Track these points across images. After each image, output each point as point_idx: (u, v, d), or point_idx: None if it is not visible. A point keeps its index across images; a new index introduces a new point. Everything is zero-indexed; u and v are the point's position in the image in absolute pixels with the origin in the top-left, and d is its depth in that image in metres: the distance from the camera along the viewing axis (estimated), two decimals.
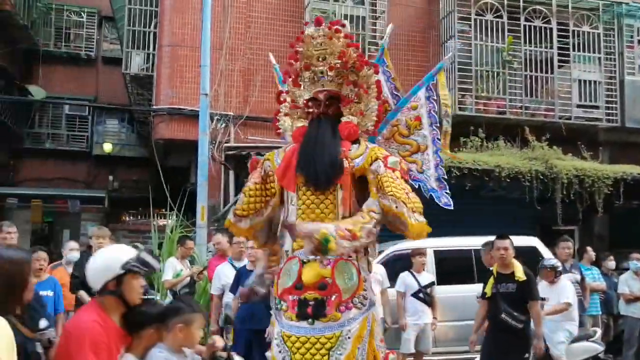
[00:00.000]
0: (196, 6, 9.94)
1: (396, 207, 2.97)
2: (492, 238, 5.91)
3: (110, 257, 2.85)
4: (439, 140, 3.50)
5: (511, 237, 5.63)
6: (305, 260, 3.07)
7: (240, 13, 10.66)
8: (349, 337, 2.96)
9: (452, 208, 3.44)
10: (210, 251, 8.44)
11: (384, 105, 3.50)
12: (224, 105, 10.16)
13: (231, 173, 10.17)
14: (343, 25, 3.30)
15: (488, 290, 5.55)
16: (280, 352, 2.99)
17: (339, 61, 3.22)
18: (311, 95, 3.29)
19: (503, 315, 5.29)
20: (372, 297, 3.19)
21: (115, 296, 2.75)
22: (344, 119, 3.27)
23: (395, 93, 3.64)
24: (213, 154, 9.90)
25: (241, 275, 5.79)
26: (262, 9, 10.67)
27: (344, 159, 3.12)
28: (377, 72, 3.36)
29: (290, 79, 3.41)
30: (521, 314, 5.28)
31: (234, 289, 5.92)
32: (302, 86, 3.34)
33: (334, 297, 2.99)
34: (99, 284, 2.77)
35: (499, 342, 5.39)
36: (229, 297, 6.15)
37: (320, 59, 3.24)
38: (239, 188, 9.98)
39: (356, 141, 3.25)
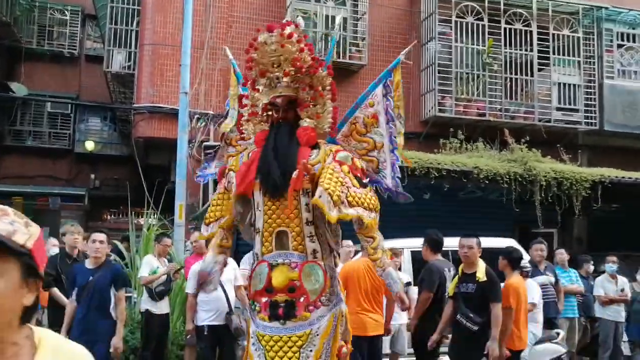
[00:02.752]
0: (178, 5, 9.93)
1: (319, 197, 3.06)
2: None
3: None
4: (395, 138, 3.55)
5: (488, 238, 5.54)
6: (274, 264, 3.23)
7: (222, 13, 10.65)
8: (317, 334, 3.17)
9: (412, 200, 3.60)
10: (188, 250, 8.43)
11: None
12: (205, 104, 10.14)
13: None
14: (297, 26, 3.33)
15: (451, 290, 5.45)
16: (255, 349, 3.20)
17: (293, 68, 3.28)
18: (269, 100, 3.35)
19: (458, 316, 5.20)
20: (340, 293, 3.39)
21: None
22: (301, 123, 3.37)
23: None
24: (193, 153, 9.88)
25: (77, 272, 5.31)
26: (243, 9, 10.67)
27: (304, 166, 3.18)
28: (331, 74, 3.42)
29: (249, 83, 3.47)
30: (478, 315, 5.11)
31: (70, 290, 5.32)
32: (260, 90, 3.39)
33: (302, 298, 3.18)
34: None
35: (458, 343, 5.31)
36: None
37: (275, 65, 3.28)
38: (217, 187, 9.97)
39: (316, 146, 3.35)
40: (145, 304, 6.69)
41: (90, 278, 5.13)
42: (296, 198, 3.24)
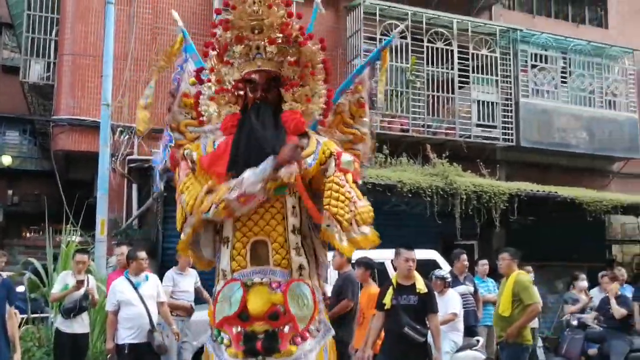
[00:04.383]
0: (99, 15, 9.69)
1: (327, 226, 2.51)
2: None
3: None
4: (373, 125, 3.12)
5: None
6: (248, 284, 2.56)
7: (146, 23, 10.48)
8: None
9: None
10: (110, 266, 8.19)
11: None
12: (128, 116, 9.90)
13: (134, 186, 9.91)
14: None
15: (387, 302, 5.22)
16: None
17: (281, 35, 2.69)
18: (243, 75, 2.74)
19: (406, 329, 5.04)
20: (327, 321, 2.81)
21: None
22: (286, 107, 2.76)
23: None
24: (116, 167, 9.61)
25: None
26: (169, 20, 10.50)
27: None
28: (323, 49, 2.82)
29: (215, 54, 2.80)
30: (423, 327, 5.13)
31: None
32: (231, 64, 2.77)
33: (287, 327, 2.55)
34: None
35: (398, 356, 5.16)
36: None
37: (256, 31, 2.68)
38: (142, 201, 9.74)
39: (304, 135, 2.75)
40: (56, 322, 6.45)
41: None
42: (280, 199, 2.63)
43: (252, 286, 2.55)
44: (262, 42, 2.69)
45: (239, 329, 2.52)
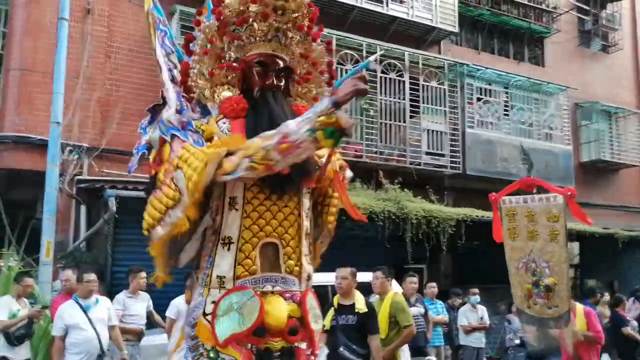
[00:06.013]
0: (50, 31, 9.44)
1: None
2: None
3: None
4: None
5: (363, 272, 5.56)
6: (260, 293, 2.23)
7: (100, 42, 10.30)
8: None
9: None
10: (55, 290, 7.86)
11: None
12: (78, 136, 9.63)
13: (82, 208, 9.59)
14: None
15: (327, 323, 5.03)
16: None
17: (308, 23, 2.46)
18: (248, 56, 2.42)
19: (341, 349, 4.95)
20: None
21: None
22: (292, 101, 2.52)
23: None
24: (64, 187, 9.30)
25: None
26: (124, 40, 10.40)
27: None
28: (330, 50, 2.69)
29: (216, 23, 2.44)
30: (361, 347, 4.98)
31: None
32: (237, 39, 2.44)
33: (305, 344, 2.29)
34: None
35: None
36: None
37: (279, 12, 2.40)
38: (91, 223, 9.44)
39: None
40: (1, 350, 6.10)
41: None
42: (295, 198, 2.35)
43: (265, 295, 2.23)
44: (284, 25, 2.43)
45: (250, 346, 2.17)
